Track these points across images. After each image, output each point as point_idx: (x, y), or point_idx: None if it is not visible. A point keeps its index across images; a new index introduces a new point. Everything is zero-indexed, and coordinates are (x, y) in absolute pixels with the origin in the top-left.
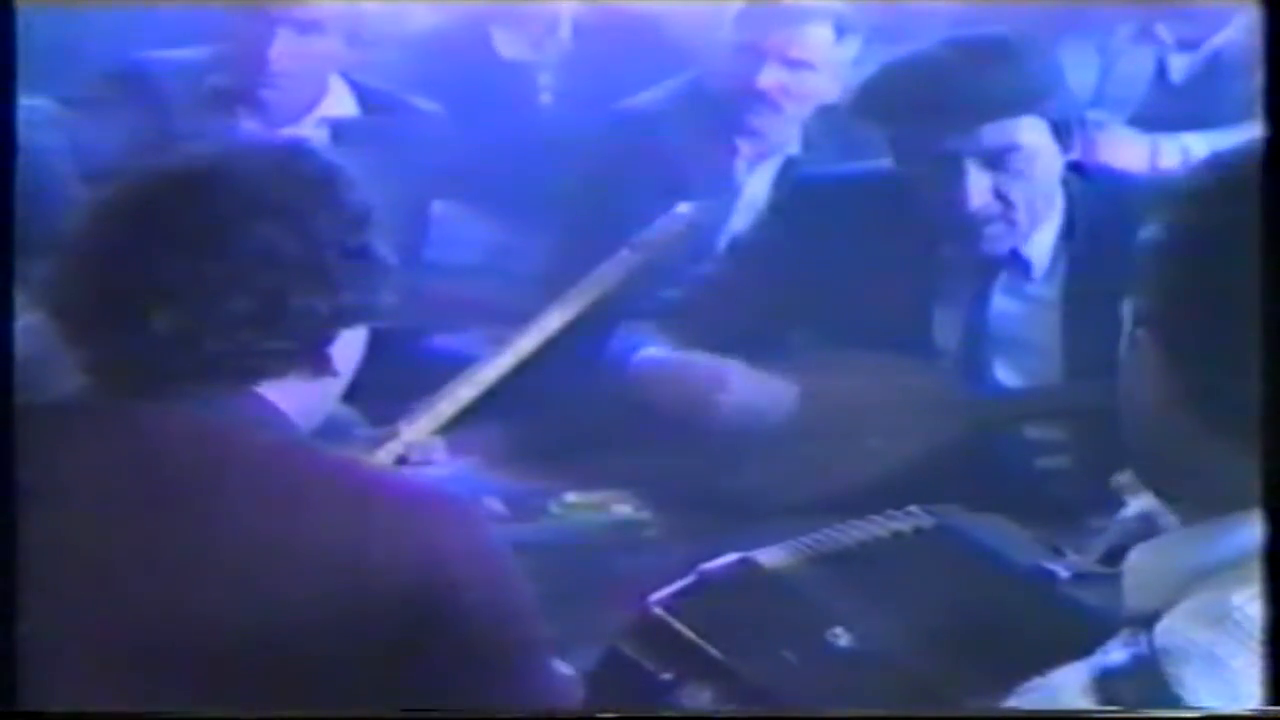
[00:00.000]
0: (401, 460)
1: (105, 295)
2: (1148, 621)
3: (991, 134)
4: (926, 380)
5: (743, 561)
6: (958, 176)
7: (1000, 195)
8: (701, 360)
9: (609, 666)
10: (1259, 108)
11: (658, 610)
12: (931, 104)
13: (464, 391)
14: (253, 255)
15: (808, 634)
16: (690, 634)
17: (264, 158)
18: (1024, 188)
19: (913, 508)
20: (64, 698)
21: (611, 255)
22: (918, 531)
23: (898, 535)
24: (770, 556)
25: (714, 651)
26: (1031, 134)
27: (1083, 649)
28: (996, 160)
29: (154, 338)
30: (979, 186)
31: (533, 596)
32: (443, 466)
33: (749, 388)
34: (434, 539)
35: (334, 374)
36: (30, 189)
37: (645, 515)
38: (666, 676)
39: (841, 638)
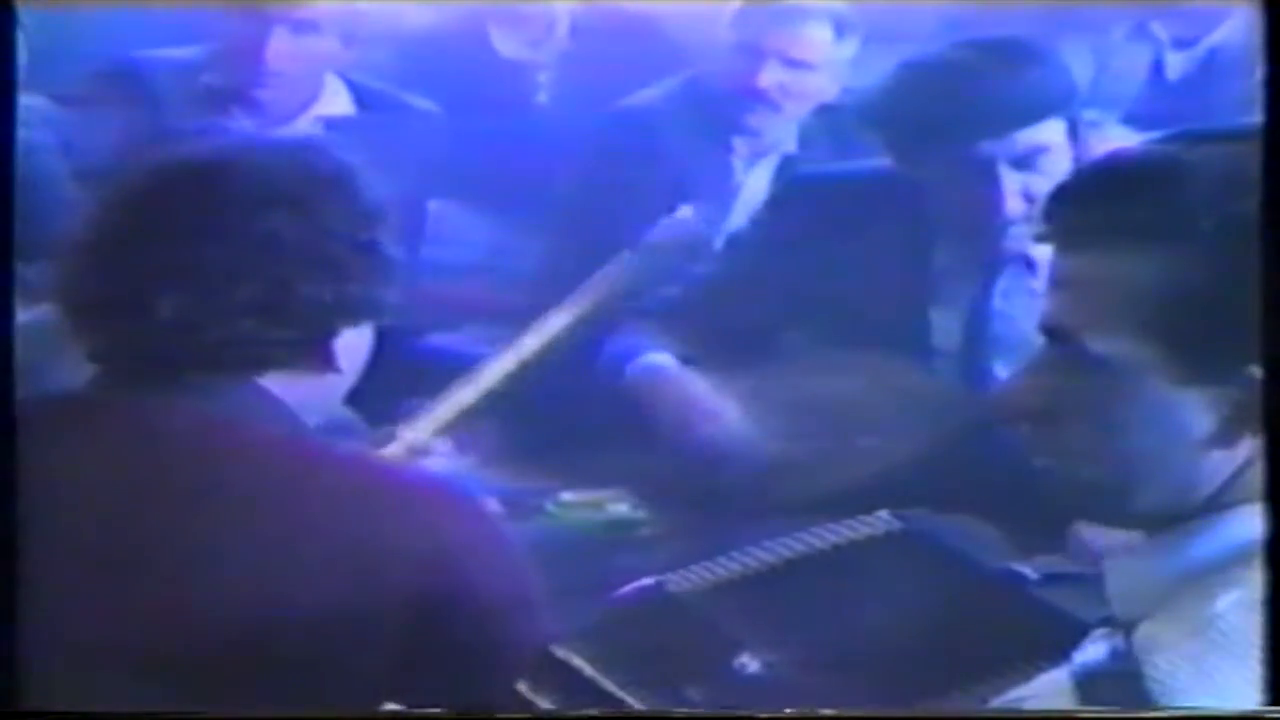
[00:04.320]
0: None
1: (112, 285)
2: (1127, 627)
3: (1024, 138)
4: (925, 379)
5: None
6: (989, 180)
7: (1028, 196)
8: (698, 383)
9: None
10: (1258, 103)
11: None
12: (959, 111)
13: (463, 392)
14: (260, 244)
15: (773, 633)
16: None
17: (277, 152)
18: (1047, 186)
19: (881, 512)
20: (64, 698)
21: (608, 254)
22: (886, 536)
23: (870, 539)
24: (740, 557)
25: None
26: (1054, 133)
27: (1051, 650)
28: (1026, 161)
29: (160, 326)
30: (1011, 189)
31: (540, 587)
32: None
33: (740, 418)
34: (441, 531)
35: (337, 371)
36: (25, 187)
37: (642, 514)
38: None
39: (797, 639)
